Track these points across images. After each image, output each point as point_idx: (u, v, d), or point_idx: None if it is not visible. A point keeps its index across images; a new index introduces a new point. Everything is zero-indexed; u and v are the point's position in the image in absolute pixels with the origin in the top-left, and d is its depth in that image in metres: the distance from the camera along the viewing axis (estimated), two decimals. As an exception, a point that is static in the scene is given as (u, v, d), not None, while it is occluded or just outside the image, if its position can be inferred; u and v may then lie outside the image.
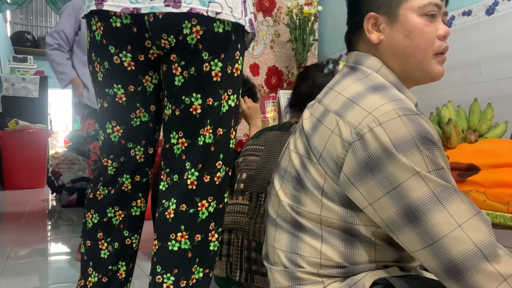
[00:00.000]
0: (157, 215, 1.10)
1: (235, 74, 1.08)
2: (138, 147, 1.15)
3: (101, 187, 1.16)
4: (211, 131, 1.07)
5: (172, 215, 1.06)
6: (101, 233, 1.16)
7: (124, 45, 1.05)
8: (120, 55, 1.05)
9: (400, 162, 0.72)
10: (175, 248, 1.05)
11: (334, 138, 0.79)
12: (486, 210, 1.09)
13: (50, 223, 3.33)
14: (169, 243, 1.05)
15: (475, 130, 1.57)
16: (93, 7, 1.03)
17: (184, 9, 0.98)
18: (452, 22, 2.25)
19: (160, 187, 1.12)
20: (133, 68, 1.07)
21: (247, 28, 1.09)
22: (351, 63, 0.91)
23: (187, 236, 1.05)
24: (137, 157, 1.16)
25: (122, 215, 1.17)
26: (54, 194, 4.55)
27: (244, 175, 1.38)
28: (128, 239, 1.18)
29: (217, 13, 1.00)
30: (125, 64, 1.07)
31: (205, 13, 0.99)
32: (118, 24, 1.02)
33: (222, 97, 1.07)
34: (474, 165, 1.21)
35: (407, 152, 0.72)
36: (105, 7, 1.01)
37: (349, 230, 0.81)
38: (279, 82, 3.38)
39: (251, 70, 3.25)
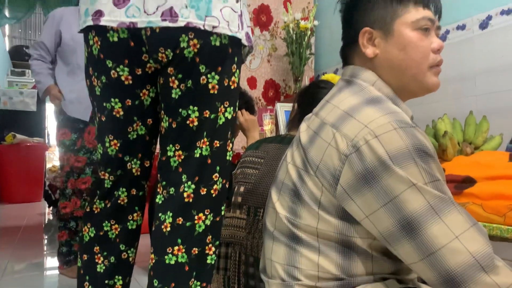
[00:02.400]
0: (153, 228, 1.09)
1: (232, 87, 1.09)
2: (135, 160, 1.15)
3: (98, 201, 1.16)
4: (207, 143, 1.07)
5: (168, 229, 1.06)
6: (98, 247, 1.16)
7: (121, 59, 1.05)
8: (118, 69, 1.06)
9: (396, 174, 0.72)
10: (172, 262, 1.04)
11: (331, 151, 0.79)
12: (483, 222, 1.09)
13: (46, 237, 3.30)
14: (166, 257, 1.04)
15: (470, 143, 1.58)
16: (90, 23, 1.03)
17: (181, 23, 0.98)
18: (446, 36, 2.28)
19: (157, 200, 1.11)
20: (131, 82, 1.08)
21: (244, 41, 1.10)
22: (347, 76, 0.92)
23: (184, 250, 1.05)
24: (134, 170, 1.16)
25: (119, 229, 1.16)
26: (51, 207, 4.52)
27: (242, 188, 1.37)
28: (124, 253, 1.18)
29: (213, 27, 1.01)
30: (123, 78, 1.07)
31: (202, 27, 1.00)
32: (115, 39, 1.03)
33: (219, 110, 1.07)
34: (470, 177, 1.21)
35: (403, 164, 0.73)
36: (102, 22, 1.01)
37: (346, 243, 0.81)
38: (276, 95, 3.39)
39: (249, 83, 3.27)
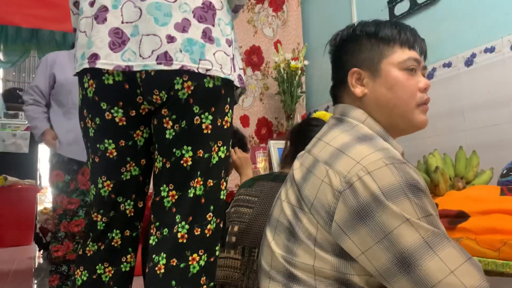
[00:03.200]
0: (147, 270, 1.07)
1: (225, 127, 1.12)
2: (128, 201, 1.15)
3: (91, 243, 1.15)
4: (201, 182, 1.08)
5: (162, 270, 1.04)
6: None
7: (116, 101, 1.07)
8: (112, 111, 1.08)
9: (389, 209, 0.73)
10: None
11: (325, 187, 0.80)
12: (478, 257, 1.08)
13: (36, 281, 3.22)
14: None
15: (462, 177, 1.59)
16: (86, 65, 1.05)
17: (176, 66, 1.02)
18: (434, 73, 2.35)
19: (150, 241, 1.10)
20: (125, 123, 1.09)
21: (236, 83, 1.13)
22: (337, 115, 0.95)
23: None
24: (127, 211, 1.16)
25: (112, 271, 1.14)
26: (42, 251, 4.42)
27: (236, 228, 1.36)
28: None
29: (207, 70, 1.05)
30: (117, 119, 1.09)
31: (196, 70, 1.03)
32: (111, 81, 1.05)
33: (213, 149, 1.09)
34: (463, 212, 1.22)
35: (396, 199, 0.73)
36: (98, 65, 1.03)
37: (343, 280, 0.80)
38: (269, 133, 3.43)
39: (242, 121, 3.30)
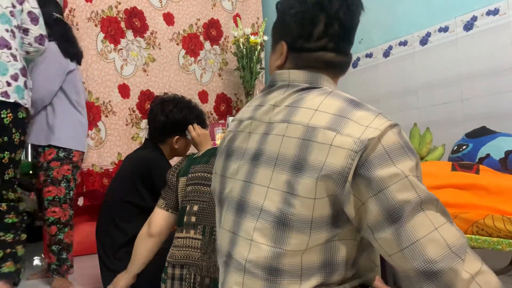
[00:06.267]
0: (5, 220, 1.94)
1: (22, 139, 2.02)
2: None
3: None
4: (12, 170, 2.00)
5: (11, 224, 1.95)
6: None
7: None
8: None
9: (395, 166, 0.76)
10: (9, 239, 1.96)
11: (336, 150, 0.78)
12: (430, 230, 1.13)
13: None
14: (17, 247, 1.98)
15: (416, 153, 1.65)
16: None
17: (12, 100, 1.88)
18: (390, 52, 2.39)
19: (3, 205, 1.95)
20: None
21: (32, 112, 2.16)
22: (301, 82, 0.91)
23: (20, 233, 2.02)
24: None
25: None
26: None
27: (195, 207, 1.33)
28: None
29: (25, 104, 1.95)
30: None
31: (21, 104, 1.92)
32: None
33: (18, 152, 2.01)
34: (417, 187, 1.26)
35: (399, 158, 0.77)
36: None
37: (329, 261, 0.82)
38: (228, 109, 3.40)
39: (200, 97, 3.25)
